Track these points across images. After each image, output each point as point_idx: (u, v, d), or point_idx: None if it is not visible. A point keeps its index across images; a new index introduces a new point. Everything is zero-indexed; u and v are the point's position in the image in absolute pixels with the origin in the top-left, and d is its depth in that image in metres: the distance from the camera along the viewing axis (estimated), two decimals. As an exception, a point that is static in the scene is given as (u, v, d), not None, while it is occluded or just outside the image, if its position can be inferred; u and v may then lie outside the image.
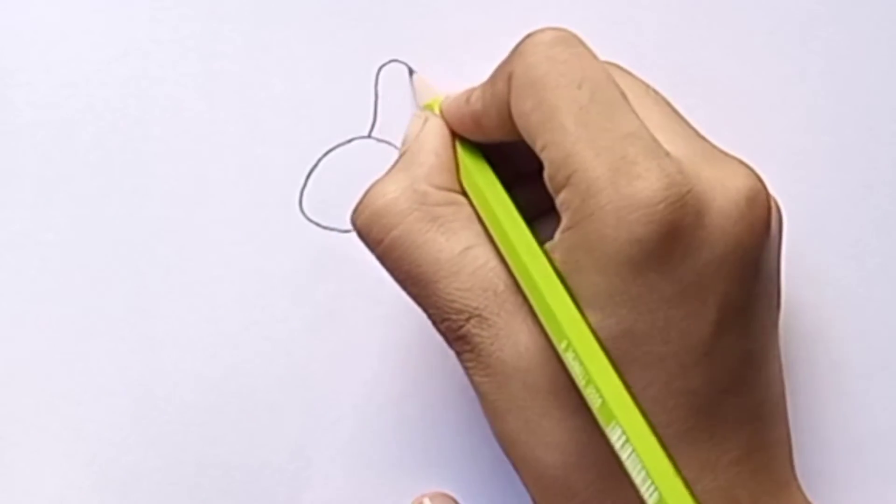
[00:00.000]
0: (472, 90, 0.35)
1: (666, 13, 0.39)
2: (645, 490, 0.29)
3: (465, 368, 0.33)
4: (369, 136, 0.40)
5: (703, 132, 0.35)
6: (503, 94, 0.33)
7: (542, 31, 0.33)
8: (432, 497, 0.37)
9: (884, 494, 0.39)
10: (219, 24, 0.40)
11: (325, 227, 0.40)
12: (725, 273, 0.31)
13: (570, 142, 0.31)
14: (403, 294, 0.34)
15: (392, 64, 0.40)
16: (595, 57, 0.33)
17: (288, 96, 0.40)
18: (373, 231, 0.34)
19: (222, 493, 0.39)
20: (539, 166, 0.32)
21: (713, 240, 0.31)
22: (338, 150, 0.40)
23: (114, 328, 0.40)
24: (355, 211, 0.34)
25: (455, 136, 0.36)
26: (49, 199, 0.40)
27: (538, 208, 0.34)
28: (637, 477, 0.29)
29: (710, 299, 0.31)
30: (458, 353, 0.33)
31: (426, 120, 0.36)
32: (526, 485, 0.34)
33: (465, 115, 0.35)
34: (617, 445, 0.30)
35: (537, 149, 0.32)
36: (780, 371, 0.34)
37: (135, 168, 0.40)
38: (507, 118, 0.33)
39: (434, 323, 0.34)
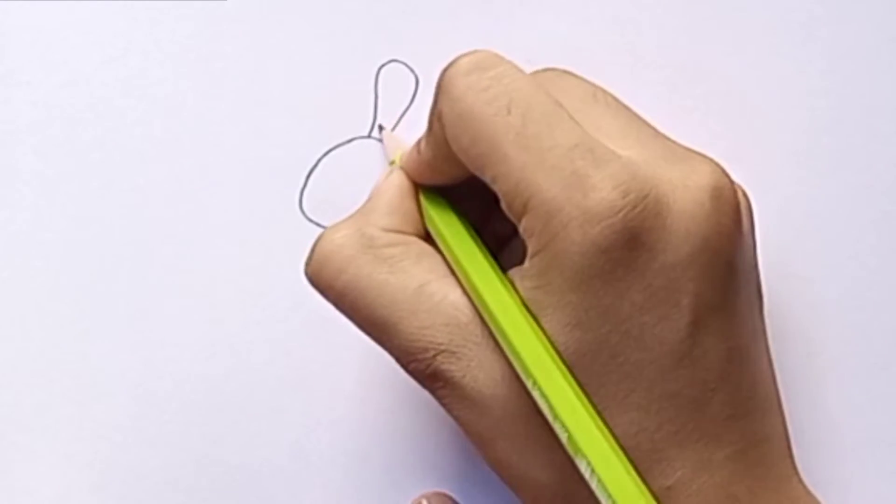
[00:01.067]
0: (419, 140, 0.35)
1: (666, 13, 0.39)
2: None
3: (443, 405, 0.33)
4: (369, 136, 0.40)
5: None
6: (440, 135, 0.33)
7: (456, 60, 0.32)
8: (431, 497, 0.37)
9: (885, 494, 0.39)
10: (219, 24, 0.40)
11: (325, 227, 0.40)
12: (695, 273, 0.31)
13: (516, 169, 0.31)
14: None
15: (392, 64, 0.40)
16: (519, 72, 0.32)
17: (288, 96, 0.40)
18: (322, 276, 0.34)
19: (222, 493, 0.39)
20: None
21: (677, 241, 0.31)
22: (338, 150, 0.40)
23: (114, 328, 0.40)
24: (307, 260, 0.34)
25: (417, 185, 0.35)
26: (49, 199, 0.40)
27: (511, 232, 0.34)
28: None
29: (683, 301, 0.31)
30: (433, 391, 0.33)
31: (389, 174, 0.36)
32: None
33: (420, 164, 0.35)
34: (586, 475, 0.30)
35: (488, 181, 0.32)
36: (770, 365, 0.34)
37: (135, 168, 0.40)
38: (455, 157, 0.32)
39: (402, 366, 0.33)
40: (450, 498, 0.38)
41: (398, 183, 0.35)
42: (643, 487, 0.30)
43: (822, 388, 0.39)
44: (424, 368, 0.33)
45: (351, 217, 0.35)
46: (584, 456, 0.30)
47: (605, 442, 0.30)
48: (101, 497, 0.39)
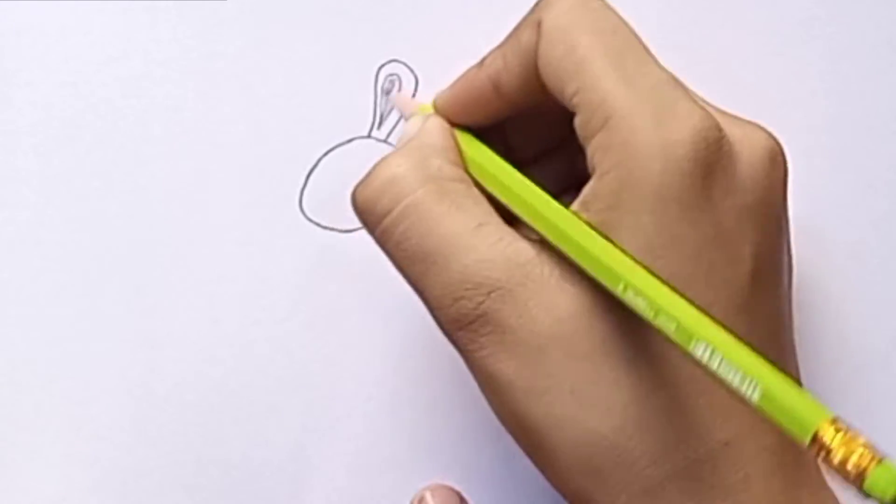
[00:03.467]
0: (484, 57, 0.35)
1: (666, 13, 0.39)
2: (746, 388, 0.28)
3: (481, 358, 0.32)
4: (369, 136, 0.40)
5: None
6: (530, 43, 0.33)
7: None
8: (434, 490, 0.37)
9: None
10: (219, 24, 0.40)
11: (325, 227, 0.40)
12: (756, 222, 0.32)
13: (608, 83, 0.31)
14: (403, 293, 0.34)
15: (392, 64, 0.40)
16: (616, 11, 0.33)
17: (288, 96, 0.40)
18: (381, 202, 0.33)
19: (222, 492, 0.39)
20: (537, 151, 0.33)
21: (746, 187, 0.32)
22: (338, 150, 0.40)
23: (114, 328, 0.39)
24: (360, 184, 0.33)
25: (456, 127, 0.35)
26: (49, 199, 0.40)
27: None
28: (734, 379, 0.28)
29: (746, 248, 0.32)
30: (472, 341, 0.32)
31: (427, 117, 0.35)
32: (560, 478, 0.32)
33: (480, 81, 0.34)
34: (705, 359, 0.28)
35: (568, 95, 0.32)
36: (794, 343, 0.34)
37: (135, 168, 0.40)
38: (532, 70, 0.33)
39: (439, 309, 0.32)
40: (453, 490, 0.38)
41: (440, 125, 0.35)
42: (767, 359, 0.29)
43: (821, 388, 0.39)
44: (474, 308, 0.31)
45: (406, 148, 0.34)
46: (701, 338, 0.29)
47: (714, 322, 0.29)
48: (101, 497, 0.39)
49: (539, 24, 0.32)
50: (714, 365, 0.28)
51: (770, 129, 0.33)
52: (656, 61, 0.32)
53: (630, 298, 0.30)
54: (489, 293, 0.31)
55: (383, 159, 0.33)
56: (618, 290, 0.30)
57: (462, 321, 0.31)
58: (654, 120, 0.31)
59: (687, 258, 0.31)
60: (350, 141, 0.40)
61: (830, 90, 0.39)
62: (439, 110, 0.36)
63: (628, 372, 0.31)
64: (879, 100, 0.39)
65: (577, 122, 0.32)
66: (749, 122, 0.33)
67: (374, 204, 0.33)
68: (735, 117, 0.34)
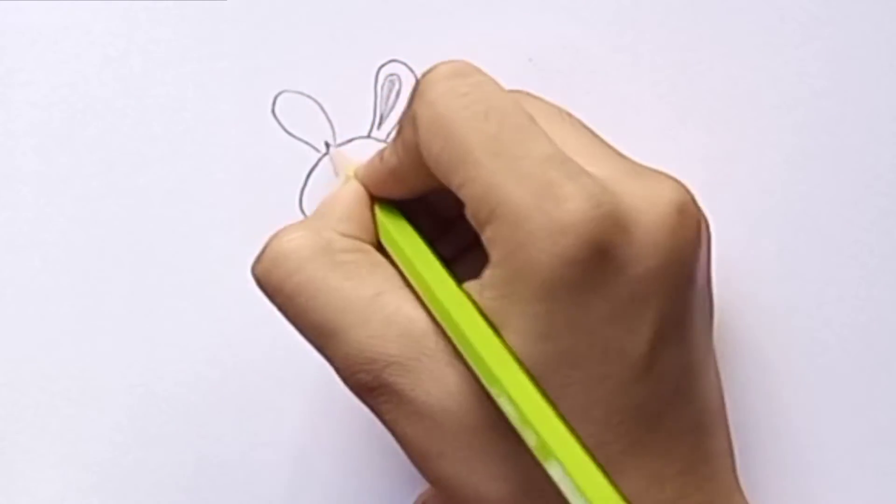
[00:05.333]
0: (384, 149, 0.35)
1: (666, 13, 0.39)
2: None
3: (386, 421, 0.33)
4: (369, 137, 0.40)
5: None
6: (412, 140, 0.32)
7: (437, 66, 0.32)
8: (435, 493, 0.37)
9: (886, 494, 0.39)
10: (219, 24, 0.40)
11: (325, 227, 0.40)
12: (659, 287, 0.31)
13: (487, 174, 0.31)
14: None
15: (392, 64, 0.40)
16: (497, 84, 0.32)
17: (288, 96, 0.40)
18: (273, 276, 0.33)
19: (222, 493, 0.39)
20: (458, 211, 0.32)
21: (644, 254, 0.31)
22: (338, 150, 0.40)
23: (114, 328, 0.40)
24: (257, 258, 0.34)
25: (373, 198, 0.35)
26: (49, 199, 0.40)
27: (460, 252, 0.34)
28: None
29: (647, 315, 0.31)
30: (375, 406, 0.32)
31: (343, 184, 0.35)
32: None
33: (382, 173, 0.34)
34: (557, 480, 0.30)
35: (455, 188, 0.31)
36: (718, 380, 0.34)
37: (135, 168, 0.40)
38: (422, 165, 0.32)
39: (342, 377, 0.33)
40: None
41: (354, 191, 0.35)
42: (618, 489, 0.30)
43: (821, 388, 0.39)
44: (371, 380, 0.32)
45: (306, 220, 0.35)
46: (556, 459, 0.30)
47: (578, 444, 0.30)
48: (101, 497, 0.39)
49: (414, 120, 0.32)
50: (564, 488, 0.30)
51: (678, 178, 0.33)
52: (539, 135, 0.31)
53: (503, 403, 0.30)
54: (384, 367, 0.32)
55: (277, 232, 0.34)
56: (493, 391, 0.31)
57: (363, 389, 0.32)
58: (536, 207, 0.30)
59: (579, 339, 0.31)
60: (350, 141, 0.40)
61: (830, 90, 0.39)
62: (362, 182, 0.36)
63: (516, 444, 0.31)
64: (879, 100, 0.39)
65: (468, 213, 0.31)
66: (655, 175, 0.33)
67: (267, 279, 0.33)
68: (640, 170, 0.33)
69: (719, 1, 0.40)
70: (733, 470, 0.34)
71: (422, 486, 0.38)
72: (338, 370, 0.33)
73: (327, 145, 0.39)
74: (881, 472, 0.39)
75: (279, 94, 0.40)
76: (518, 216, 0.30)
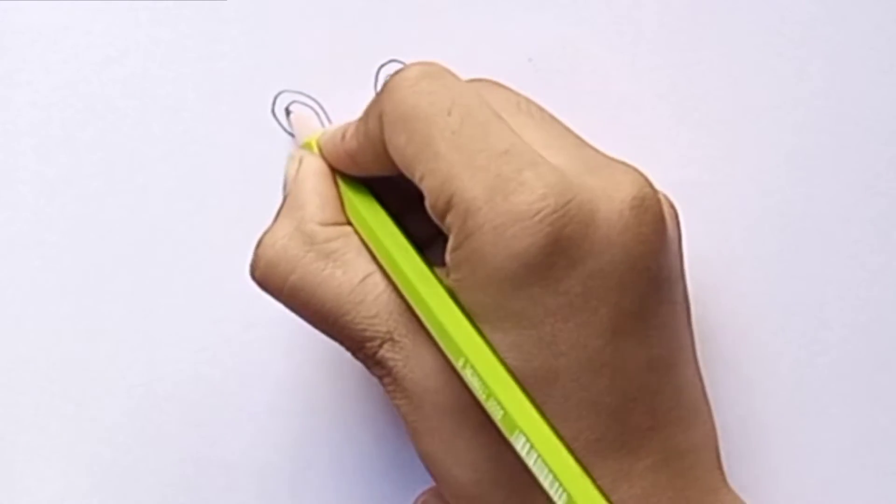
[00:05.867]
0: (347, 126, 0.35)
1: (666, 13, 0.39)
2: (554, 493, 0.30)
3: (388, 395, 0.34)
4: (369, 136, 0.40)
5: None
6: (376, 132, 0.33)
7: (408, 67, 0.33)
8: (435, 493, 0.37)
9: (886, 494, 0.39)
10: (219, 24, 0.40)
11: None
12: (615, 283, 0.31)
13: (445, 167, 0.31)
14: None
15: (392, 64, 0.40)
16: (464, 83, 0.33)
17: (288, 96, 0.40)
18: (271, 281, 0.35)
19: (222, 493, 0.39)
20: (422, 194, 0.32)
21: (599, 249, 0.31)
22: (338, 150, 0.40)
23: (114, 328, 0.40)
24: (251, 266, 0.35)
25: (335, 170, 0.36)
26: (49, 199, 0.40)
27: (429, 233, 0.34)
28: (545, 481, 0.30)
29: (602, 309, 0.31)
30: (379, 380, 0.34)
31: (301, 160, 0.36)
32: (448, 502, 0.34)
33: (341, 153, 0.35)
34: (522, 453, 0.30)
35: (416, 180, 0.32)
36: (696, 374, 0.34)
37: (135, 168, 0.40)
38: (383, 155, 0.33)
39: (353, 354, 0.34)
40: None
41: (318, 170, 0.36)
42: (581, 463, 0.30)
43: (821, 388, 0.39)
44: (372, 355, 0.33)
45: (283, 216, 0.35)
46: (520, 431, 0.30)
47: (541, 418, 0.30)
48: (101, 497, 0.40)
49: (381, 115, 0.33)
50: (530, 461, 0.30)
51: (641, 169, 0.32)
52: (500, 129, 0.32)
53: (467, 376, 0.31)
54: (381, 344, 0.33)
55: (263, 235, 0.35)
56: (458, 364, 0.31)
57: (368, 364, 0.34)
58: (487, 199, 0.31)
59: (525, 331, 0.31)
60: (350, 141, 0.40)
61: (830, 90, 0.39)
62: (322, 154, 0.36)
63: (483, 429, 0.32)
64: (879, 100, 0.39)
65: (427, 204, 0.32)
66: (617, 167, 0.33)
67: (266, 285, 0.35)
68: (601, 163, 0.33)
69: (719, 1, 0.40)
70: (717, 465, 0.34)
71: (422, 486, 0.38)
72: (347, 349, 0.34)
73: (288, 112, 0.39)
74: (881, 472, 0.39)
75: (279, 94, 0.40)
76: (469, 208, 0.31)
